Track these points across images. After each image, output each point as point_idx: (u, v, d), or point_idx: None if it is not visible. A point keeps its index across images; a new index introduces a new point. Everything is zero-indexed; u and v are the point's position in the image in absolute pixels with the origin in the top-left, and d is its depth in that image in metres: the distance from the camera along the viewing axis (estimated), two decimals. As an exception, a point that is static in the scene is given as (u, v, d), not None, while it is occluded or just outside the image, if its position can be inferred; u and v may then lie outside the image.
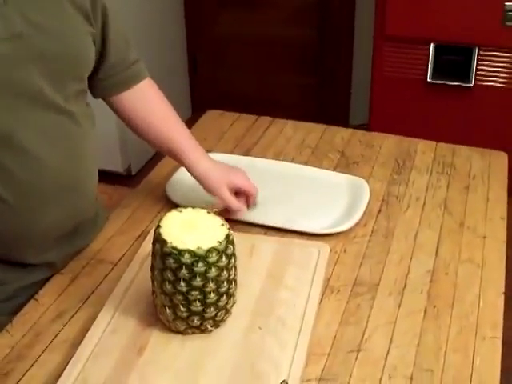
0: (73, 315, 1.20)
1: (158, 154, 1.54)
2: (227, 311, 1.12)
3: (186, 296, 1.06)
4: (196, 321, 1.08)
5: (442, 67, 2.54)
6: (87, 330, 1.14)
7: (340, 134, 1.75)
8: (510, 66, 2.47)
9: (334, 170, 1.60)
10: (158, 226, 1.08)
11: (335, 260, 1.32)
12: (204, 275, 1.05)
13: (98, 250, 1.36)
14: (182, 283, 1.04)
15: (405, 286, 1.26)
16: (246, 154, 1.67)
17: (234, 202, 1.35)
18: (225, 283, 1.08)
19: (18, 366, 1.11)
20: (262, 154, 1.67)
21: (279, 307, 1.17)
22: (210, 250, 1.04)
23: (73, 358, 1.07)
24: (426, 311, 1.20)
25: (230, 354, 1.08)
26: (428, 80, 2.56)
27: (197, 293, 1.06)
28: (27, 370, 1.10)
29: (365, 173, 1.58)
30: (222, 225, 1.09)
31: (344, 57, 3.30)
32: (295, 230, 1.37)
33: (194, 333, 1.11)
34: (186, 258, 1.03)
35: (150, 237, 1.23)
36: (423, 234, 1.39)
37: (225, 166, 1.40)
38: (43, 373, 1.09)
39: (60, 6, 1.14)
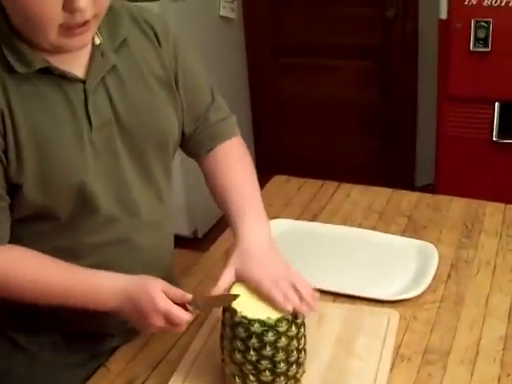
0: (143, 382, 1.22)
1: (225, 217, 1.55)
2: (297, 380, 1.12)
3: (256, 365, 1.07)
4: (266, 390, 1.09)
5: (507, 126, 2.52)
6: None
7: (407, 198, 1.75)
8: None
9: (402, 234, 1.59)
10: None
11: (405, 327, 1.31)
12: (274, 345, 1.06)
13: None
14: (252, 352, 1.06)
15: (477, 353, 1.24)
16: (313, 219, 1.69)
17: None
18: (294, 352, 1.09)
19: None
20: (328, 220, 1.68)
21: (349, 376, 1.17)
22: (279, 320, 1.06)
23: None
24: (499, 380, 1.18)
25: (302, 424, 1.08)
26: (494, 139, 2.53)
27: (266, 362, 1.07)
28: None
29: (433, 237, 1.57)
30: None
31: (408, 118, 3.31)
32: (364, 296, 1.37)
33: (264, 402, 1.11)
34: (256, 328, 1.05)
35: (215, 309, 1.27)
36: (495, 299, 1.37)
37: (266, 259, 1.16)
38: None
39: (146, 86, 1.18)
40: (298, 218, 1.69)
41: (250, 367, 1.07)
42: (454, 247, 1.54)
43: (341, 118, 3.42)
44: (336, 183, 1.86)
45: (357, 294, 1.38)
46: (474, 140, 2.59)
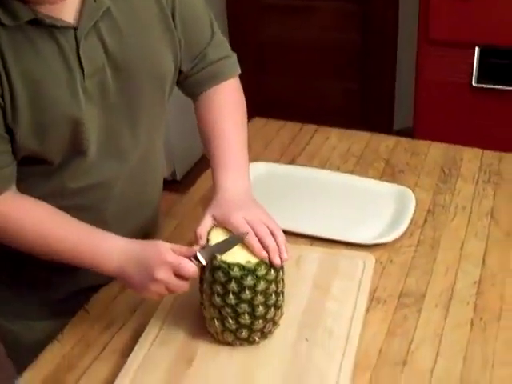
0: (122, 326, 1.23)
1: (204, 159, 1.53)
2: (275, 323, 1.14)
3: (235, 309, 1.08)
4: (244, 333, 1.11)
5: (487, 71, 2.51)
6: (136, 341, 1.17)
7: (385, 143, 1.76)
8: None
9: (380, 178, 1.60)
10: (207, 240, 1.10)
11: (381, 271, 1.33)
12: (253, 288, 1.07)
13: (147, 259, 1.39)
14: (231, 296, 1.07)
15: (451, 297, 1.26)
16: (292, 162, 1.69)
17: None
18: (273, 296, 1.10)
19: (68, 376, 1.14)
20: (307, 163, 1.68)
21: (326, 318, 1.19)
22: (258, 264, 1.07)
23: (122, 370, 1.10)
24: (472, 323, 1.20)
25: (279, 366, 1.10)
26: (473, 84, 2.53)
27: (246, 305, 1.08)
28: (77, 381, 1.13)
29: (410, 182, 1.58)
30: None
31: (388, 61, 3.29)
32: (342, 240, 1.39)
33: (241, 344, 1.13)
34: (236, 272, 1.06)
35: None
36: (470, 244, 1.39)
37: (243, 205, 1.17)
38: (93, 383, 1.12)
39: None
40: (276, 161, 1.69)
41: (229, 310, 1.08)
42: (431, 192, 1.55)
43: (321, 61, 3.38)
44: (315, 126, 1.85)
45: (334, 237, 1.39)
46: (453, 84, 2.58)
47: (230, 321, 1.09)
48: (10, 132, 1.05)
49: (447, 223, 1.45)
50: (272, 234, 1.11)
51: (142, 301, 1.27)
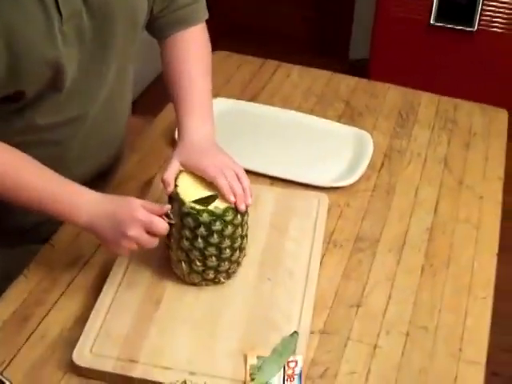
0: (87, 260, 1.26)
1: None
2: (238, 264, 1.19)
3: (203, 252, 1.12)
4: (211, 274, 1.15)
5: (446, 10, 2.54)
6: (102, 277, 1.20)
7: (345, 82, 1.78)
8: (513, 12, 2.48)
9: (339, 119, 1.63)
10: (175, 186, 1.12)
11: (339, 214, 1.38)
12: (220, 233, 1.10)
13: (111, 193, 1.39)
14: (200, 240, 1.10)
15: (404, 243, 1.33)
16: (253, 99, 1.70)
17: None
18: (239, 239, 1.14)
19: (36, 310, 1.17)
20: (268, 101, 1.69)
21: (285, 258, 1.24)
22: (226, 210, 1.10)
23: (92, 312, 1.13)
24: (423, 269, 1.28)
25: (243, 304, 1.15)
26: (431, 22, 2.56)
27: (213, 249, 1.11)
28: (45, 316, 1.16)
29: (369, 124, 1.62)
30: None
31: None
32: (300, 182, 1.42)
33: (207, 285, 1.17)
34: (205, 218, 1.09)
35: (156, 186, 1.32)
36: (423, 191, 1.45)
37: (210, 151, 1.20)
38: (61, 319, 1.15)
39: None
40: (237, 98, 1.69)
41: (196, 253, 1.12)
42: (388, 136, 1.60)
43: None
44: (276, 62, 1.86)
45: (293, 179, 1.43)
46: (412, 21, 2.61)
47: (198, 263, 1.13)
48: None
49: (403, 169, 1.50)
50: (238, 178, 1.14)
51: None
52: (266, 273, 1.21)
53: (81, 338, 1.09)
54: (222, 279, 1.17)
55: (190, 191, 1.12)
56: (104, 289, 1.17)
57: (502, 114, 1.69)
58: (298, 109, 1.66)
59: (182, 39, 1.30)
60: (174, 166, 1.16)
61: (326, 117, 1.63)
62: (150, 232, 1.08)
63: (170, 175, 1.14)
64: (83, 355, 1.07)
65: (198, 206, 1.09)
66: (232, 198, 1.11)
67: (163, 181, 1.14)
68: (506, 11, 2.49)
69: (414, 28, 2.60)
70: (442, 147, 1.57)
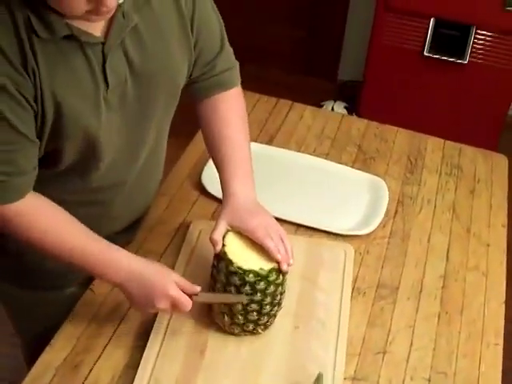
0: (129, 307, 1.32)
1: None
2: (275, 316, 1.28)
3: (246, 308, 1.21)
4: (250, 327, 1.25)
5: (439, 43, 2.65)
6: (145, 323, 1.28)
7: (356, 125, 1.88)
8: (504, 47, 2.60)
9: (353, 164, 1.73)
10: (223, 245, 1.21)
11: (360, 261, 1.48)
12: (264, 291, 1.20)
13: (143, 239, 1.48)
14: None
15: (421, 290, 1.44)
16: (270, 141, 1.79)
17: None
18: (278, 296, 1.24)
19: (85, 357, 1.25)
20: (285, 143, 1.78)
21: (317, 309, 1.34)
22: (270, 271, 1.20)
23: (142, 360, 1.22)
24: (439, 316, 1.39)
25: (281, 355, 1.25)
26: (425, 53, 2.67)
27: (255, 305, 1.21)
28: (95, 363, 1.24)
29: (381, 169, 1.73)
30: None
31: (339, 10, 3.35)
32: (322, 229, 1.52)
33: (246, 335, 1.27)
34: (250, 278, 1.18)
35: (191, 234, 1.45)
36: (435, 238, 1.56)
37: (254, 211, 1.27)
38: (111, 366, 1.24)
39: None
40: (254, 139, 1.77)
41: (239, 308, 1.21)
42: (400, 182, 1.70)
43: (270, 4, 3.41)
44: (289, 102, 1.95)
45: (317, 226, 1.53)
46: (406, 51, 2.71)
47: (240, 317, 1.22)
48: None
49: (415, 215, 1.61)
50: (283, 240, 1.24)
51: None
52: (299, 324, 1.31)
53: (134, 387, 1.18)
54: (260, 330, 1.27)
55: (237, 251, 1.21)
56: (150, 337, 1.26)
57: (502, 160, 1.81)
58: (314, 152, 1.76)
59: (221, 102, 1.36)
60: (222, 226, 1.25)
61: (340, 161, 1.73)
62: (175, 308, 1.18)
63: (218, 235, 1.23)
64: (137, 403, 1.16)
65: (244, 267, 1.18)
66: (279, 257, 1.20)
67: (212, 240, 1.23)
68: (497, 45, 2.61)
69: (408, 58, 2.71)
70: (450, 194, 1.68)
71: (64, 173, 1.20)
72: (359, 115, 2.80)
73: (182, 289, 1.17)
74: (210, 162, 1.63)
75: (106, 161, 1.20)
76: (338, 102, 3.07)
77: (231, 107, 1.37)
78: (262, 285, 1.19)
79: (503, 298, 1.44)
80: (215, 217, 1.52)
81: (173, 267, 1.38)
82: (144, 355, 1.23)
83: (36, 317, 1.47)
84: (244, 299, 1.20)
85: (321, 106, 3.00)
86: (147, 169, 1.33)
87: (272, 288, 1.21)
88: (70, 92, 1.07)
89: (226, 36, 1.35)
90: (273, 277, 1.20)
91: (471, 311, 1.41)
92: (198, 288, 1.19)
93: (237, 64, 1.40)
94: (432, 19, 2.60)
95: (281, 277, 1.22)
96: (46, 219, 1.16)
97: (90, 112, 1.11)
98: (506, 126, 2.91)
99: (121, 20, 1.09)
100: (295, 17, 3.43)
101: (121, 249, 1.21)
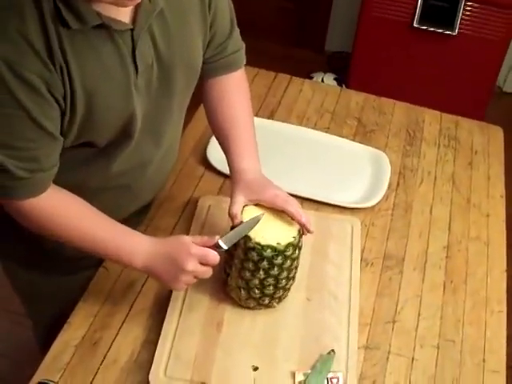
0: (143, 284, 1.36)
1: None
2: (289, 290, 1.32)
3: (262, 282, 1.24)
4: (266, 300, 1.28)
5: (428, 14, 2.67)
6: (160, 299, 1.31)
7: (354, 99, 1.91)
8: (492, 18, 2.63)
9: (354, 137, 1.76)
10: (241, 222, 1.24)
11: (366, 233, 1.52)
12: (280, 266, 1.23)
13: (152, 216, 1.50)
14: (261, 272, 1.22)
15: (426, 260, 1.48)
16: (271, 115, 1.81)
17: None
18: (293, 270, 1.27)
19: (103, 334, 1.27)
20: (286, 117, 1.80)
21: (328, 282, 1.38)
22: (287, 245, 1.22)
23: (161, 336, 1.24)
24: (444, 286, 1.43)
25: (296, 328, 1.29)
26: (414, 25, 2.69)
27: (272, 279, 1.24)
28: (113, 340, 1.27)
29: (381, 142, 1.76)
30: (293, 219, 1.26)
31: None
32: (329, 202, 1.55)
33: (260, 308, 1.30)
34: (268, 253, 1.21)
35: (200, 209, 1.48)
36: (437, 209, 1.60)
37: (267, 184, 1.31)
38: (129, 342, 1.26)
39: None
40: (256, 114, 1.79)
41: (256, 282, 1.24)
42: (400, 154, 1.74)
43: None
44: (287, 76, 1.96)
45: (323, 200, 1.56)
46: (394, 23, 2.73)
47: (256, 291, 1.25)
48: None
49: (416, 187, 1.65)
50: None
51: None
52: (312, 296, 1.35)
53: (154, 362, 1.21)
54: (275, 304, 1.30)
55: (256, 227, 1.23)
56: (168, 314, 1.28)
57: (498, 132, 1.85)
58: (316, 126, 1.78)
59: (228, 83, 1.39)
60: (240, 201, 1.27)
61: (341, 134, 1.76)
62: (204, 263, 1.19)
63: (236, 208, 1.25)
64: (159, 378, 1.19)
65: (262, 242, 1.21)
66: (303, 220, 1.24)
67: (231, 214, 1.25)
68: (486, 16, 2.64)
69: (397, 29, 2.72)
70: (449, 166, 1.72)
71: (92, 156, 1.21)
72: (348, 87, 2.82)
73: (203, 244, 1.19)
74: (214, 138, 1.66)
75: (135, 140, 1.21)
76: (327, 74, 3.08)
77: (237, 88, 1.40)
78: (279, 259, 1.22)
79: (504, 266, 1.49)
80: (222, 192, 1.56)
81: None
82: (162, 332, 1.26)
83: (52, 300, 1.49)
84: (261, 216, 1.23)
85: (311, 78, 3.02)
86: (168, 149, 1.35)
87: (288, 262, 1.24)
88: (101, 82, 1.07)
89: (235, 17, 1.36)
90: (289, 252, 1.23)
91: (475, 280, 1.46)
92: (217, 236, 1.20)
93: (243, 45, 1.42)
94: (422, -10, 2.63)
95: (297, 251, 1.25)
96: (66, 212, 1.17)
97: (122, 99, 1.12)
98: (494, 96, 2.96)
99: (147, 5, 1.09)
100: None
101: (140, 234, 1.23)
